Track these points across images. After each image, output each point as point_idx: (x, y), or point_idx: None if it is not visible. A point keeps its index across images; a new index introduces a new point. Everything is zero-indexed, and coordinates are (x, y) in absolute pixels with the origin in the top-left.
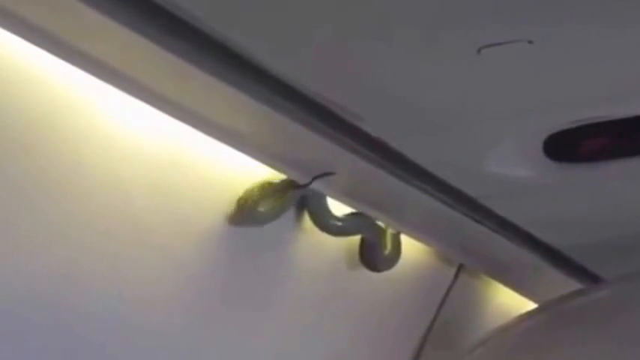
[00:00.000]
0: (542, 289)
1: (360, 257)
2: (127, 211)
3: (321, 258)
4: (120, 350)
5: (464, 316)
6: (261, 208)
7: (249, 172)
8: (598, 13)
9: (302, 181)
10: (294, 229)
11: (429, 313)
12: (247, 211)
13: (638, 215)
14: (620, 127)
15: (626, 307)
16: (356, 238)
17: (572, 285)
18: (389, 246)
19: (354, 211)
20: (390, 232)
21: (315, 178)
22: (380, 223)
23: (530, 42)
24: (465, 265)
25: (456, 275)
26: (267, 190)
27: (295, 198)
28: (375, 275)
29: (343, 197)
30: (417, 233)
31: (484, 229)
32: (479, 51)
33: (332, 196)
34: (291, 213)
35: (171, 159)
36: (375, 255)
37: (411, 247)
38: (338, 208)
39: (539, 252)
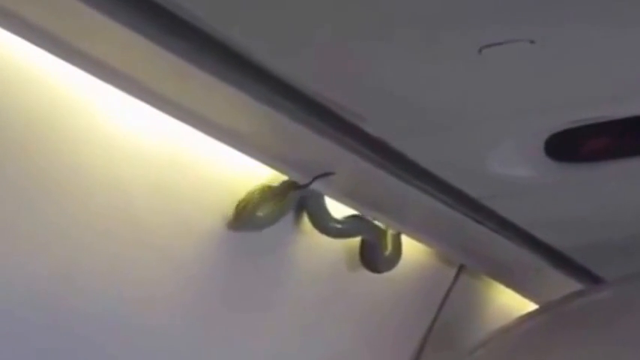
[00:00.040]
0: (543, 290)
1: (360, 258)
2: (127, 211)
3: (321, 259)
4: (120, 351)
5: (464, 317)
6: (260, 213)
7: (249, 173)
8: (599, 12)
9: (302, 181)
10: (295, 230)
11: (430, 314)
12: (246, 216)
13: (639, 216)
14: (622, 126)
15: (628, 308)
16: (356, 239)
17: (574, 286)
18: (389, 247)
19: (354, 212)
20: (390, 232)
21: (315, 179)
22: (380, 224)
23: (531, 42)
24: (465, 266)
25: (457, 276)
26: (267, 193)
27: (295, 200)
28: (375, 276)
29: (344, 198)
30: (417, 234)
31: (485, 229)
32: (480, 51)
33: (332, 197)
34: (291, 215)
35: (171, 159)
36: (375, 256)
37: (412, 248)
38: (338, 208)
39: (540, 253)
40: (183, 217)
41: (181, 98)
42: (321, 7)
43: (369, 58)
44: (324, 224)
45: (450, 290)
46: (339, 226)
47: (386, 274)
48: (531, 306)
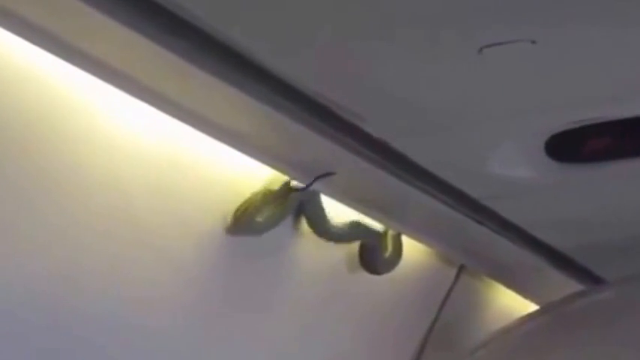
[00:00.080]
0: (544, 291)
1: (360, 260)
2: (127, 211)
3: (322, 259)
4: (120, 352)
5: (465, 317)
6: (259, 218)
7: (249, 173)
8: (600, 12)
9: (303, 181)
10: (295, 230)
11: (430, 315)
12: (245, 222)
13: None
14: (623, 127)
15: (629, 309)
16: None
17: (575, 286)
18: (389, 249)
19: (354, 214)
20: (390, 233)
21: (316, 179)
22: (379, 227)
23: (532, 42)
24: (466, 267)
25: (457, 276)
26: (268, 197)
27: (295, 204)
28: (375, 276)
29: (344, 198)
30: (418, 234)
31: (486, 230)
32: (480, 51)
33: (333, 197)
34: (290, 216)
35: (172, 159)
36: (374, 258)
37: (412, 248)
38: (339, 209)
39: (541, 253)
40: (183, 218)
41: (182, 98)
42: (321, 8)
43: (369, 59)
44: (322, 229)
45: (450, 291)
46: (336, 231)
47: (386, 275)
48: (532, 307)
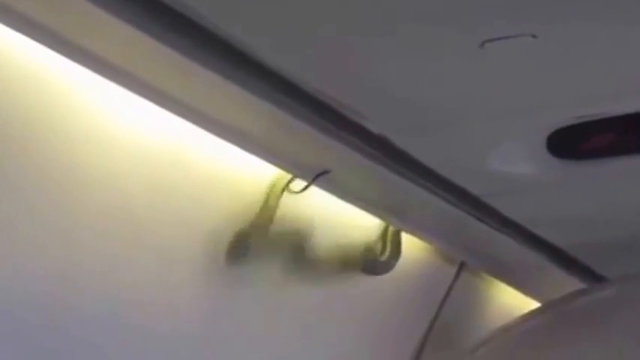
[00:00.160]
0: (545, 289)
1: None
2: (127, 210)
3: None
4: (119, 352)
5: (465, 315)
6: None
7: (251, 171)
8: (602, 8)
9: (304, 178)
10: None
11: (430, 312)
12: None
13: None
14: (625, 123)
15: (630, 307)
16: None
17: (576, 284)
18: (387, 250)
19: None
20: (391, 230)
21: (314, 179)
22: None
23: (533, 37)
24: (466, 264)
25: (458, 274)
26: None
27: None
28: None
29: (345, 195)
30: (419, 231)
31: (486, 227)
32: (482, 45)
33: (334, 194)
34: None
35: (173, 157)
36: (372, 260)
37: (412, 246)
38: (339, 206)
39: (542, 251)
40: (185, 217)
41: (183, 95)
42: (323, 5)
43: (370, 55)
44: None
45: (450, 288)
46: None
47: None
48: (533, 304)
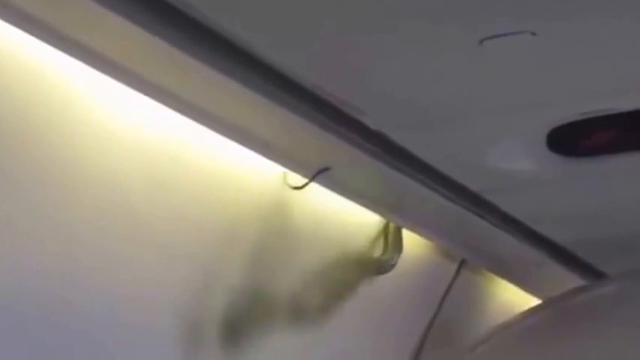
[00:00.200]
0: (545, 286)
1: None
2: (126, 207)
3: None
4: (119, 349)
5: (466, 312)
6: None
7: (252, 167)
8: (603, 5)
9: (303, 174)
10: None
11: (431, 309)
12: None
13: None
14: (626, 120)
15: (631, 304)
16: (355, 238)
17: (576, 281)
18: (389, 248)
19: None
20: (391, 226)
21: (314, 176)
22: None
23: (532, 34)
24: (466, 261)
25: (458, 271)
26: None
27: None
28: None
29: (345, 192)
30: (419, 228)
31: (487, 224)
32: (481, 43)
33: (334, 191)
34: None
35: (172, 153)
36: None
37: (412, 243)
38: (339, 202)
39: (542, 248)
40: (184, 213)
41: (181, 91)
42: (323, 1)
43: (370, 52)
44: None
45: (451, 285)
46: None
47: None
48: (533, 301)
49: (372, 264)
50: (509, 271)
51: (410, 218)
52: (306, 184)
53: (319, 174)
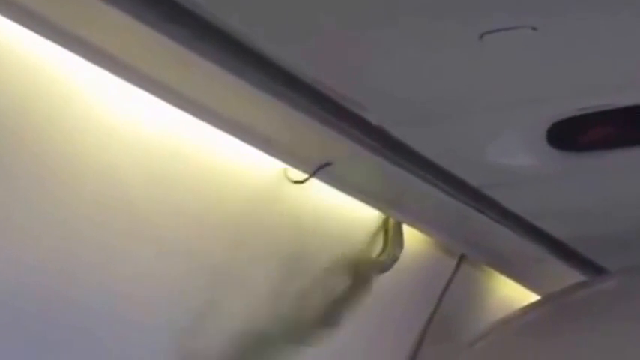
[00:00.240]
0: (545, 281)
1: None
2: (126, 202)
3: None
4: (118, 344)
5: (465, 307)
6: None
7: (252, 163)
8: (603, 0)
9: (303, 170)
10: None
11: (430, 305)
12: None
13: None
14: (626, 115)
15: (630, 299)
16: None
17: (576, 277)
18: (389, 244)
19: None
20: (391, 222)
21: (315, 172)
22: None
23: (533, 29)
24: (466, 256)
25: (458, 266)
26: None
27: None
28: None
29: (345, 188)
30: (419, 224)
31: (487, 219)
32: (481, 37)
33: (334, 187)
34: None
35: (172, 148)
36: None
37: (412, 238)
38: (339, 197)
39: (542, 243)
40: (184, 209)
41: (181, 86)
42: None
43: (370, 47)
44: None
45: (450, 281)
46: None
47: None
48: (533, 297)
49: (373, 265)
50: (509, 266)
51: (410, 214)
52: (308, 178)
53: (321, 169)
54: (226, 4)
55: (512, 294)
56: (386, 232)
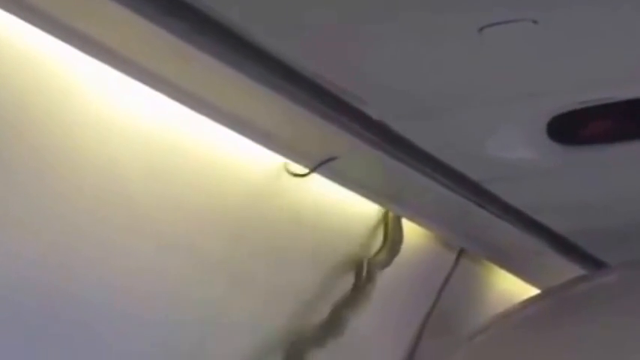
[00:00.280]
0: (545, 275)
1: None
2: (125, 196)
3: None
4: (117, 339)
5: (464, 301)
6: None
7: (252, 157)
8: None
9: (303, 164)
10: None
11: (429, 299)
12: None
13: None
14: (627, 108)
15: (631, 294)
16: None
17: (576, 271)
18: (389, 239)
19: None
20: (391, 216)
21: (318, 166)
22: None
23: (533, 22)
24: (466, 250)
25: (457, 260)
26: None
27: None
28: None
29: (345, 182)
30: (418, 218)
31: (487, 213)
32: (480, 31)
33: (333, 181)
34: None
35: (171, 143)
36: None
37: (411, 232)
38: (340, 192)
39: (542, 237)
40: (183, 203)
41: (181, 80)
42: None
43: (369, 41)
44: None
45: (450, 275)
46: None
47: None
48: (533, 291)
49: (377, 263)
50: (509, 260)
51: (410, 208)
52: (310, 172)
53: (324, 163)
54: None
55: (512, 288)
56: (386, 226)
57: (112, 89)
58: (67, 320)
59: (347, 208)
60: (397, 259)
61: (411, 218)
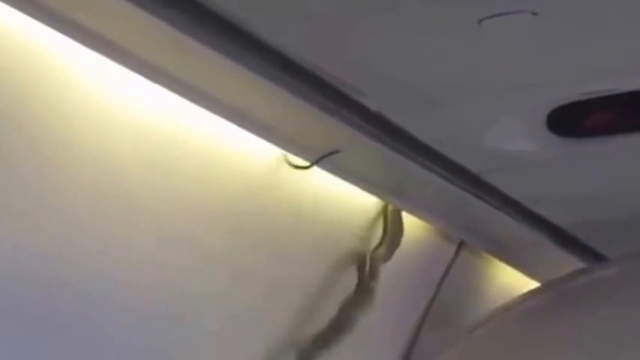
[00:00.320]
0: (544, 268)
1: None
2: (125, 189)
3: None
4: (117, 331)
5: (464, 294)
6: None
7: (252, 149)
8: None
9: (304, 157)
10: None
11: (429, 292)
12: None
13: None
14: (627, 100)
15: (631, 287)
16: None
17: (576, 264)
18: (389, 232)
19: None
20: (390, 209)
21: (320, 159)
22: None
23: (533, 13)
24: (465, 243)
25: (457, 253)
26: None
27: None
28: None
29: (344, 174)
30: (418, 211)
31: (486, 205)
32: (480, 22)
33: (334, 174)
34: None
35: (171, 135)
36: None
37: (411, 225)
38: (341, 185)
39: (542, 230)
40: (183, 195)
41: (180, 72)
42: None
43: (369, 32)
44: None
45: (449, 268)
46: None
47: None
48: (532, 284)
49: (379, 257)
50: (509, 253)
51: (409, 200)
52: (311, 165)
53: (326, 157)
54: None
55: (512, 281)
56: (385, 218)
57: (112, 82)
58: (67, 313)
59: (347, 201)
60: (397, 252)
61: (410, 211)
